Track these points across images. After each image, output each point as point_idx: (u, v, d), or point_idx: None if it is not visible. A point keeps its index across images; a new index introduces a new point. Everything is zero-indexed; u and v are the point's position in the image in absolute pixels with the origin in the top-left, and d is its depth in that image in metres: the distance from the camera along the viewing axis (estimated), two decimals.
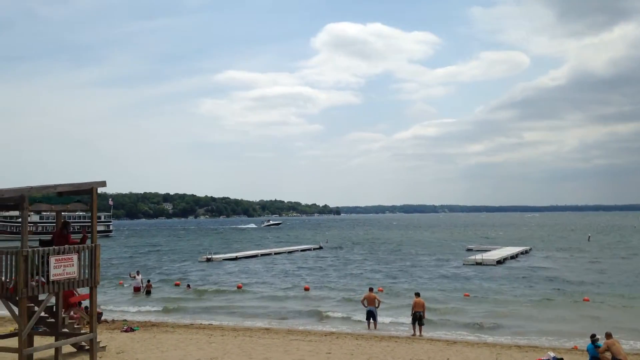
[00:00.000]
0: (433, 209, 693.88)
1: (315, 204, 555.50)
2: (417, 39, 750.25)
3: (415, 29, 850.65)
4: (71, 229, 16.01)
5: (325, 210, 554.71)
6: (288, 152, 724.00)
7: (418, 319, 21.30)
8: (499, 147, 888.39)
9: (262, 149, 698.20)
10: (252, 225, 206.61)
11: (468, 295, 30.99)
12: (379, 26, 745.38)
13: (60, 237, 14.85)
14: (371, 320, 22.55)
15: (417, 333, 21.14)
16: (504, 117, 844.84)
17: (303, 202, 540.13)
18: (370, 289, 23.76)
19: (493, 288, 34.17)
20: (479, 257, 50.12)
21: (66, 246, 13.88)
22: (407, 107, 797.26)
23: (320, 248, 74.76)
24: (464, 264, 49.03)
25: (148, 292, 33.67)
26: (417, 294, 22.51)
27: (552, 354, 16.50)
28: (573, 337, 20.58)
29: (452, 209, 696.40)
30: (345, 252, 67.85)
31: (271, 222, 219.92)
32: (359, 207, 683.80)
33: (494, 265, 47.88)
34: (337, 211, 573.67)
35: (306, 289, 34.45)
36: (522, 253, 59.86)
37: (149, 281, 35.45)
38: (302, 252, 68.68)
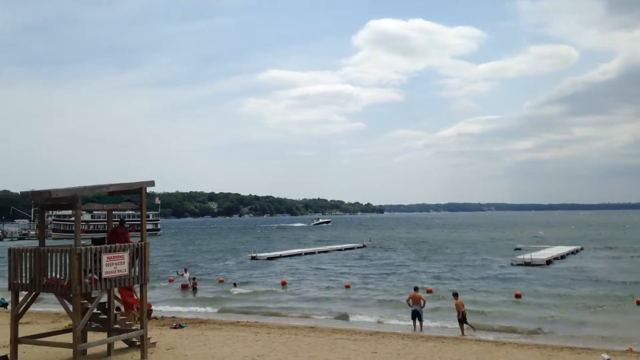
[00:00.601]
0: (479, 207, 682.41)
1: (358, 203, 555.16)
2: (461, 33, 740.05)
3: (459, 23, 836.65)
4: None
5: (368, 208, 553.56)
6: (330, 151, 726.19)
7: (463, 318, 21.12)
8: (547, 144, 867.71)
9: (304, 148, 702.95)
10: (301, 224, 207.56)
11: (520, 295, 30.32)
12: (421, 22, 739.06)
13: (118, 234, 15.20)
14: (417, 320, 22.31)
15: (466, 333, 20.87)
16: (552, 112, 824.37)
17: (346, 201, 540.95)
18: (416, 289, 23.49)
19: (543, 289, 33.24)
20: (527, 256, 48.89)
21: (117, 244, 14.24)
22: (451, 103, 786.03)
23: (364, 247, 74.57)
24: (512, 264, 47.93)
25: (194, 289, 34.37)
26: (456, 295, 22.26)
27: (605, 356, 15.90)
28: (628, 340, 19.81)
29: (499, 207, 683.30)
30: (389, 251, 67.39)
31: (321, 220, 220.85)
32: (402, 205, 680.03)
33: (544, 265, 46.65)
34: (380, 209, 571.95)
35: (347, 287, 34.54)
36: (572, 252, 58.13)
37: (194, 279, 36.12)
38: (346, 251, 68.61)
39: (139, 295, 15.90)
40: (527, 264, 46.84)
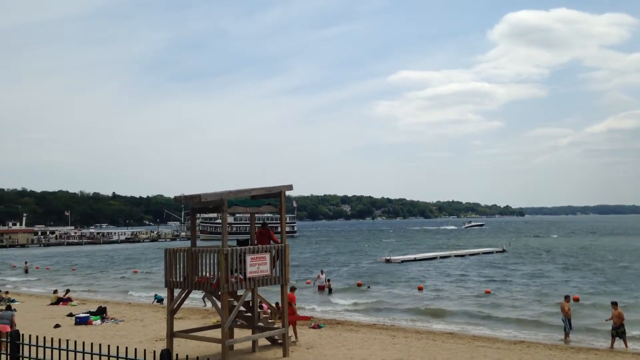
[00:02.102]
0: (634, 210, 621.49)
1: (495, 205, 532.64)
2: (610, 21, 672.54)
3: (608, 10, 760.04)
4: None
5: (506, 211, 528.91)
6: (465, 151, 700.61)
7: (620, 332, 19.32)
8: None
9: (438, 149, 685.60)
10: (452, 227, 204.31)
11: None
12: (564, 11, 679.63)
13: (262, 235, 15.94)
14: (565, 330, 20.87)
15: (615, 346, 19.15)
16: None
17: (482, 203, 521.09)
18: (566, 298, 21.93)
19: None
20: None
21: (259, 246, 14.93)
22: (599, 97, 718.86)
23: (504, 252, 71.18)
24: None
25: (330, 291, 35.13)
26: (615, 304, 20.30)
27: None
28: None
29: None
30: (532, 257, 63.71)
31: (473, 223, 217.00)
32: (545, 207, 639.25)
33: None
34: (520, 212, 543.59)
35: (487, 292, 33.29)
36: None
37: (328, 280, 36.90)
38: (483, 255, 66.03)
39: (298, 313, 16.38)
40: None
